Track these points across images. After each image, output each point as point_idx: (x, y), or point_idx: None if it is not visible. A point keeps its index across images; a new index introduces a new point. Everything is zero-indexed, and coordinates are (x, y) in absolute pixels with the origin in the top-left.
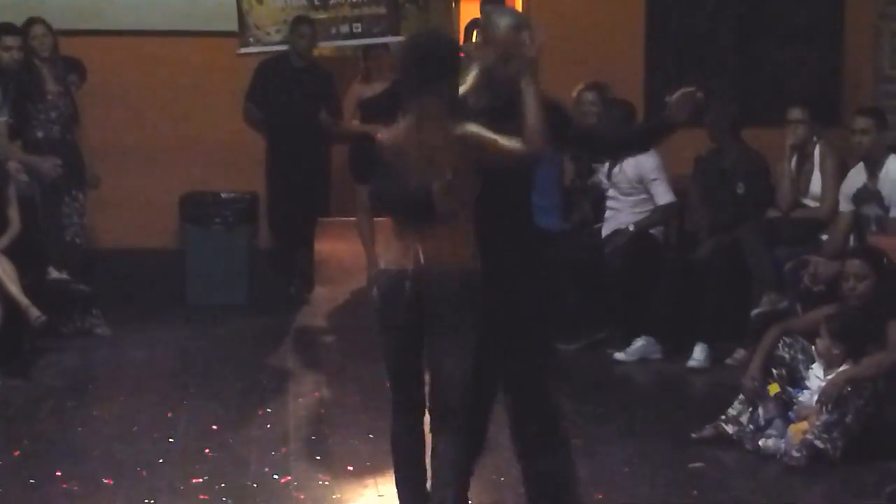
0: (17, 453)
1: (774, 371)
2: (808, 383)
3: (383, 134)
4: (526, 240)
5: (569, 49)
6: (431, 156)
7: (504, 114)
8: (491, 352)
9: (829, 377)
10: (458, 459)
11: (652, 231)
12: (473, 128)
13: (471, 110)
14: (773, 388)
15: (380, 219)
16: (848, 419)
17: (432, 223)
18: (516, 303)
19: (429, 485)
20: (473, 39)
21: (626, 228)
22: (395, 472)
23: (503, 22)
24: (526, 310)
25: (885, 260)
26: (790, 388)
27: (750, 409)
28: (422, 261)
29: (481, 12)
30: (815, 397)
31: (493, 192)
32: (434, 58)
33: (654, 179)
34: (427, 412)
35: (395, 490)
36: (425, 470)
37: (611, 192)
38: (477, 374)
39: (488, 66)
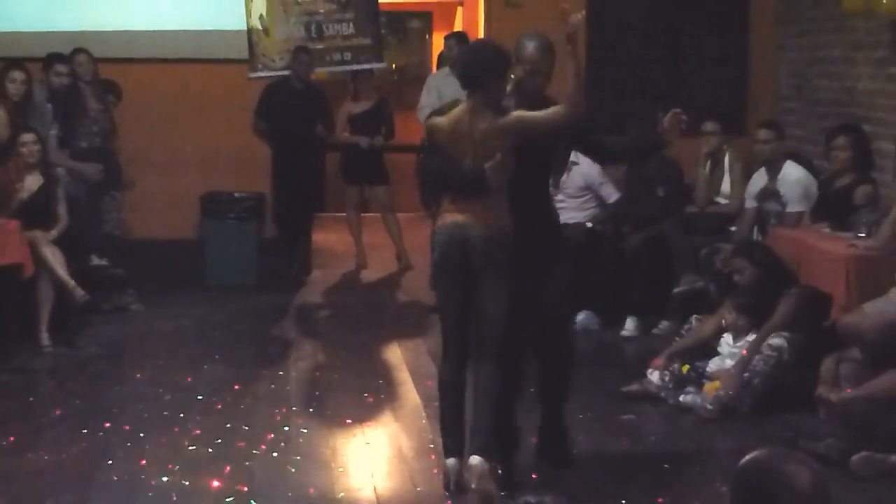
0: (60, 412)
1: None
2: (719, 349)
3: (437, 121)
4: (547, 209)
5: None
6: (482, 140)
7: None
8: (524, 294)
9: (739, 345)
10: (495, 388)
11: (590, 224)
12: (518, 113)
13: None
14: (685, 368)
15: (366, 214)
16: (756, 382)
17: (482, 196)
18: (542, 255)
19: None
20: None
21: (583, 224)
22: (441, 411)
23: (531, 44)
24: (549, 261)
25: (759, 252)
26: (698, 363)
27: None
28: (460, 220)
29: (445, 44)
30: (727, 361)
31: (523, 172)
32: (482, 62)
33: (602, 183)
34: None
35: (437, 426)
36: (464, 411)
37: (559, 196)
38: (513, 313)
39: (519, 79)
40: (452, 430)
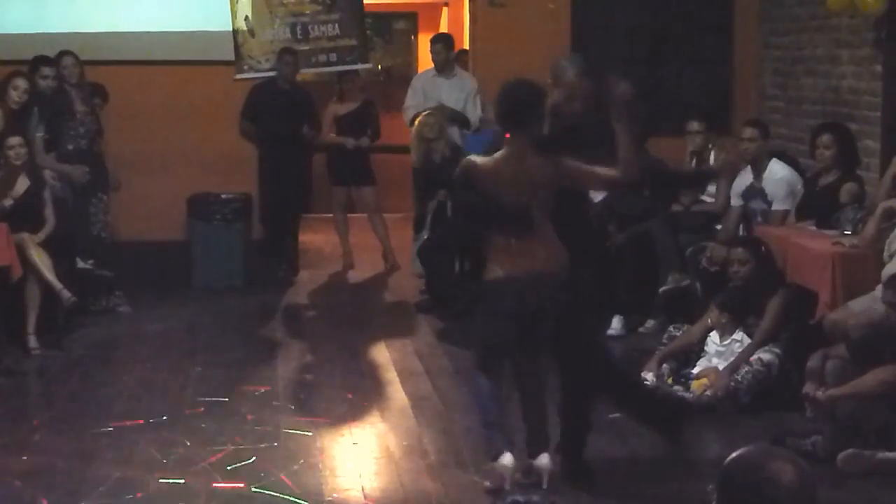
0: (49, 413)
1: (666, 365)
2: (706, 349)
3: (479, 162)
4: (587, 239)
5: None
6: (531, 180)
7: (563, 140)
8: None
9: (726, 343)
10: (543, 385)
11: None
12: (571, 162)
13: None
14: (669, 379)
15: (352, 215)
16: (742, 394)
17: (530, 234)
18: (583, 285)
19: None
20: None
21: None
22: (484, 412)
23: (571, 69)
24: (588, 290)
25: (762, 248)
26: (683, 370)
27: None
28: (528, 267)
29: (431, 49)
30: (713, 360)
31: (562, 206)
32: (523, 105)
33: None
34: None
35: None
36: (505, 406)
37: None
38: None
39: (556, 102)
40: (501, 427)
